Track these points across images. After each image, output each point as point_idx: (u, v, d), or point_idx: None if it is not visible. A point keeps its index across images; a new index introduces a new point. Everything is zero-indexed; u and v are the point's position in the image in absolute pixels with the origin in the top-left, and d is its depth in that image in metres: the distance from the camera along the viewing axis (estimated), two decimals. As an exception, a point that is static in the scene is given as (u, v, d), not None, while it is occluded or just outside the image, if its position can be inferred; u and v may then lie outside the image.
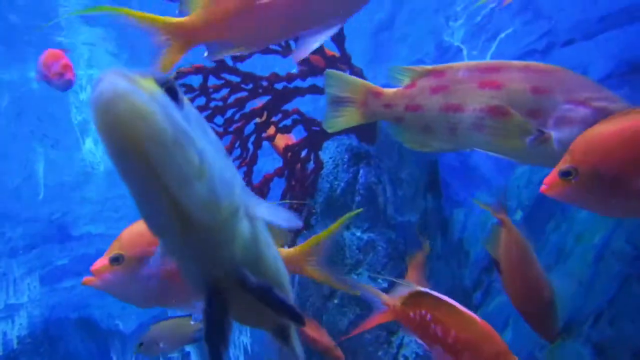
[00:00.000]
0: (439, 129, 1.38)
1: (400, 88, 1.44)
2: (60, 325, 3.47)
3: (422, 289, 1.20)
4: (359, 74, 1.99)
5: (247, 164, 1.89)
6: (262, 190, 1.88)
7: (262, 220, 0.78)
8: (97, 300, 3.50)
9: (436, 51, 2.11)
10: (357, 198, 2.05)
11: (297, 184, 2.00)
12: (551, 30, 1.73)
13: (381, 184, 2.08)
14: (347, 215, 1.38)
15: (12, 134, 4.09)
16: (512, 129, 1.25)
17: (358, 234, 2.02)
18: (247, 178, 1.89)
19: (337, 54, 1.93)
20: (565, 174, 1.07)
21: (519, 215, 1.88)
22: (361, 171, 2.08)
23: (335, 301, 1.96)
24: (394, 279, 1.41)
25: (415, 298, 1.20)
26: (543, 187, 1.11)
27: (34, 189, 3.99)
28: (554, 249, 1.77)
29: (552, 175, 1.09)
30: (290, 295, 0.90)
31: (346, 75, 1.51)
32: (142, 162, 0.57)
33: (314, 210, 2.05)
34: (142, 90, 0.56)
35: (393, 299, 1.23)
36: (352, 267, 1.99)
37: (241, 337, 2.85)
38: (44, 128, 4.10)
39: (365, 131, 2.12)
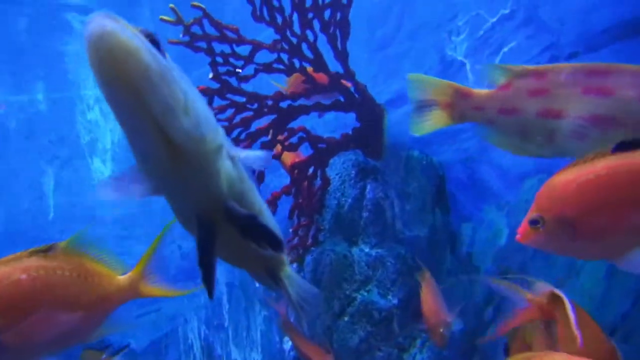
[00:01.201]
0: (533, 135, 1.29)
1: (492, 89, 1.36)
2: (72, 345, 3.46)
3: (556, 290, 1.13)
4: (363, 90, 2.00)
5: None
6: (269, 208, 1.88)
7: (242, 162, 0.84)
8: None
9: (439, 65, 2.11)
10: (365, 214, 2.04)
11: (305, 201, 2.00)
12: (554, 43, 1.72)
13: (389, 199, 2.07)
14: (166, 226, 1.37)
15: (22, 156, 4.14)
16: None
17: (367, 250, 2.00)
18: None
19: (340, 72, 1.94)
20: (533, 223, 1.09)
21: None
22: (368, 186, 2.07)
23: (346, 319, 1.94)
24: None
25: (552, 298, 1.13)
26: (517, 236, 1.13)
27: (44, 209, 4.02)
28: (564, 265, 1.75)
29: (524, 225, 1.12)
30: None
31: (429, 77, 1.44)
32: (131, 93, 0.62)
33: (321, 227, 2.04)
34: (128, 29, 0.61)
35: (535, 296, 1.16)
36: (362, 283, 1.97)
37: (252, 354, 2.83)
38: (53, 149, 4.14)
39: (371, 146, 2.11)
